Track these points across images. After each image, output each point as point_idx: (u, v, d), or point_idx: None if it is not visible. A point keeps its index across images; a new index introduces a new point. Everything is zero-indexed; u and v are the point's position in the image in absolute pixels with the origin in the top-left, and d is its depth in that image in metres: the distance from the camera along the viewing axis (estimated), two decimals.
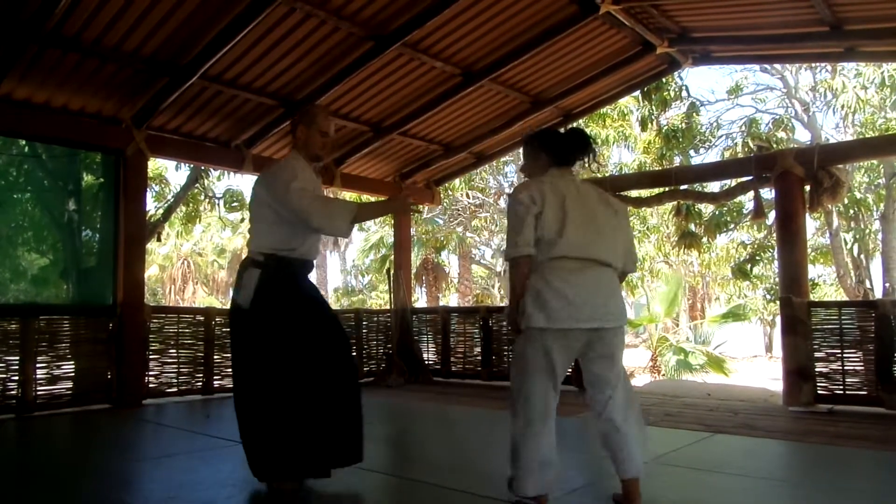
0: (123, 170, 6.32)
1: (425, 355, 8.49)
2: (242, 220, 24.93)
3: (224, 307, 22.44)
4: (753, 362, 18.93)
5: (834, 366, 5.70)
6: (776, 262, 9.15)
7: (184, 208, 12.55)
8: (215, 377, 6.81)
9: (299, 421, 2.93)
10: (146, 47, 5.37)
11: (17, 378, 5.57)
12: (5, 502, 3.09)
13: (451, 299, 22.82)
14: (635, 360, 15.48)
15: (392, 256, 9.58)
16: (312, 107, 3.70)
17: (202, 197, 12.66)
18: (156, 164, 12.45)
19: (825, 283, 18.54)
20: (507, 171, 17.47)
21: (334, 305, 21.87)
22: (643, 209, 14.89)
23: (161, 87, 5.87)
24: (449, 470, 3.62)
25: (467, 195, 16.66)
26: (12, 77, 5.32)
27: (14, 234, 7.10)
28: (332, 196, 3.60)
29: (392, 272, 8.89)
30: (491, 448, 4.27)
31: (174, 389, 6.57)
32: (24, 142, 6.53)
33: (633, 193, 8.04)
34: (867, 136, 11.69)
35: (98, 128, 6.16)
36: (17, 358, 5.60)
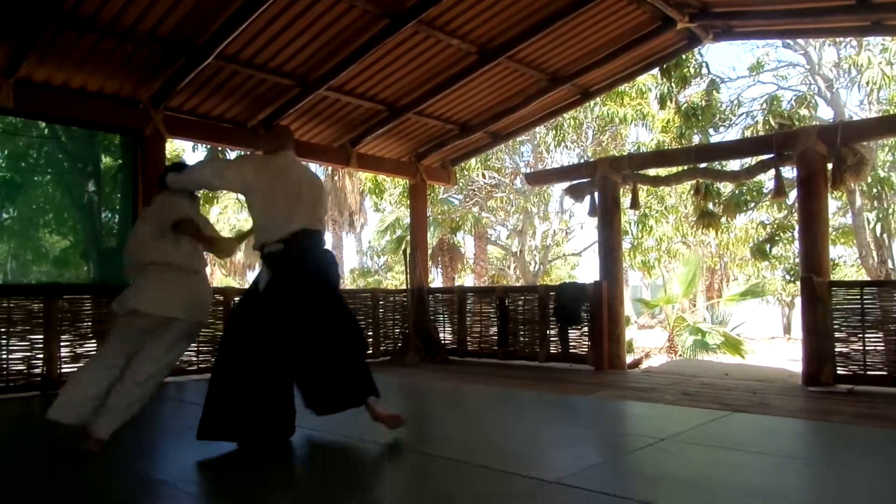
0: (141, 151, 6.36)
1: (441, 335, 8.52)
2: None
3: (242, 287, 22.66)
4: (771, 343, 18.78)
5: (854, 346, 5.63)
6: (796, 243, 9.04)
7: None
8: None
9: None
10: (163, 27, 5.38)
11: (41, 356, 5.69)
12: (34, 476, 3.17)
13: (466, 280, 22.83)
14: (651, 340, 15.44)
15: (408, 237, 9.58)
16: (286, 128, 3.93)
17: None
18: (173, 146, 12.51)
19: (845, 265, 18.30)
20: (523, 151, 17.36)
21: (350, 286, 22.01)
22: (661, 188, 14.76)
23: (178, 67, 5.89)
24: (465, 446, 3.64)
25: (483, 175, 16.57)
26: (31, 59, 5.35)
27: (35, 216, 7.20)
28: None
29: (408, 253, 8.90)
30: (507, 425, 4.29)
31: (194, 368, 6.66)
32: (43, 124, 6.60)
33: (651, 172, 7.97)
34: (892, 112, 11.45)
35: (116, 109, 6.20)
36: (42, 337, 5.70)
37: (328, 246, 3.67)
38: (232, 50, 5.82)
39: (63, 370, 5.78)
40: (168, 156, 9.50)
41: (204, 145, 10.90)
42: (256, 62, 6.15)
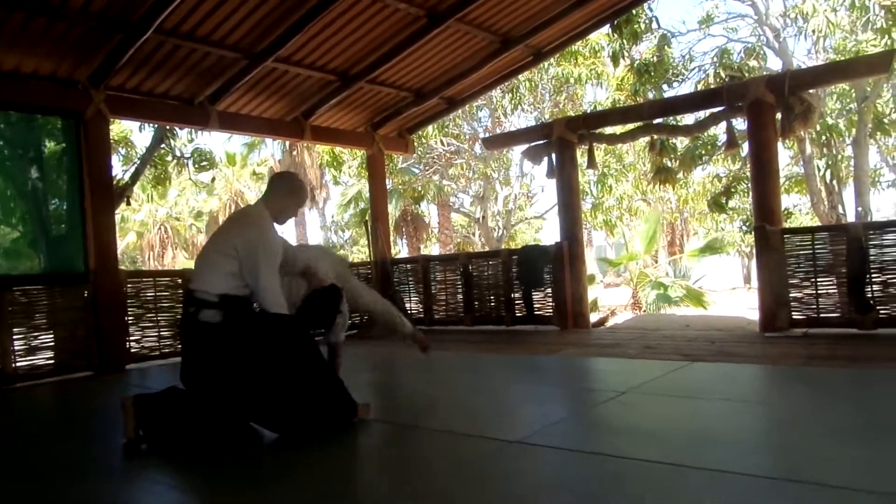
0: (84, 133, 6.13)
1: (408, 305, 8.52)
2: (213, 179, 24.55)
3: None
4: (732, 294, 19.30)
5: (808, 291, 5.81)
6: (751, 194, 9.22)
7: (152, 170, 12.27)
8: None
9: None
10: (94, 3, 5.14)
11: None
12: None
13: (432, 249, 22.84)
14: (617, 298, 15.71)
15: (369, 209, 9.49)
16: (304, 186, 3.63)
17: (170, 158, 12.38)
18: (120, 127, 12.10)
19: (800, 213, 18.78)
20: (481, 117, 17.28)
21: None
22: (619, 147, 14.86)
23: (116, 44, 5.65)
24: (432, 412, 3.67)
25: (442, 143, 16.47)
26: None
27: None
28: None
29: (370, 224, 8.83)
30: (474, 389, 4.33)
31: (157, 353, 6.55)
32: None
33: (608, 130, 8.00)
34: (838, 60, 11.65)
35: (54, 90, 5.95)
36: None
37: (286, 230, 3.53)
38: (171, 23, 5.61)
39: (19, 364, 5.63)
40: (115, 137, 9.19)
41: (150, 124, 10.56)
42: (198, 35, 5.94)
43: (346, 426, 3.26)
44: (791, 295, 5.85)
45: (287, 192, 3.42)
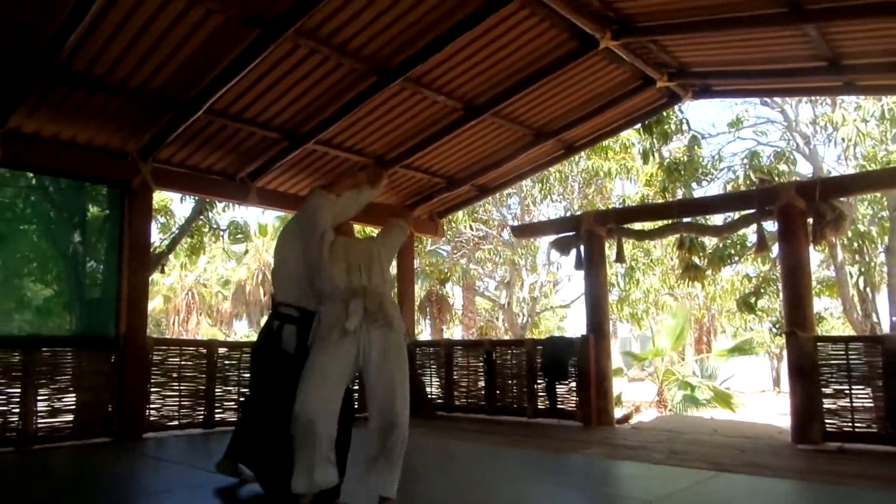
0: (129, 202, 6.36)
1: (428, 389, 8.41)
2: (246, 251, 25.01)
3: (227, 339, 22.37)
4: (761, 397, 18.69)
5: (842, 402, 5.60)
6: (782, 298, 9.10)
7: (188, 240, 12.59)
8: (217, 410, 6.76)
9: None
10: (153, 82, 5.45)
11: (17, 410, 5.54)
12: None
13: (454, 331, 22.70)
14: (641, 393, 15.32)
15: (395, 289, 9.55)
16: None
17: (206, 229, 12.72)
18: (161, 196, 12.53)
19: (832, 316, 18.38)
20: (510, 204, 17.52)
21: None
22: (646, 242, 14.88)
23: (167, 120, 5.94)
24: None
25: (471, 227, 16.68)
26: (21, 111, 5.39)
27: (19, 265, 7.12)
28: None
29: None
30: (494, 485, 4.20)
31: (175, 423, 6.50)
32: (31, 174, 6.60)
33: (637, 226, 8.05)
34: (869, 168, 11.72)
35: (105, 161, 6.22)
36: (19, 390, 5.57)
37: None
38: (221, 104, 5.90)
39: (39, 424, 5.63)
40: (155, 206, 9.51)
41: (191, 196, 10.93)
42: (245, 116, 6.23)
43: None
44: (824, 406, 5.65)
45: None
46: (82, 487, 4.33)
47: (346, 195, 3.42)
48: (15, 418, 5.53)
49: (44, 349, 5.83)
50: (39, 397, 5.68)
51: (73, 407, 5.92)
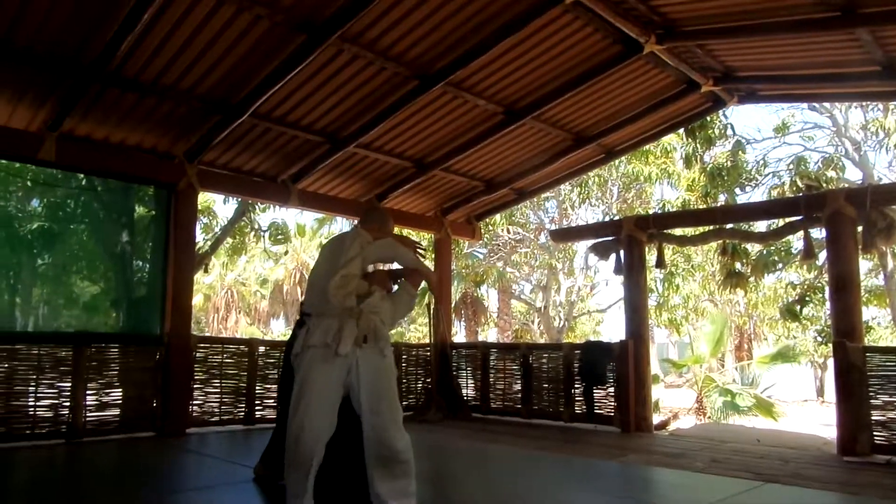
0: (175, 203, 6.52)
1: (464, 391, 8.43)
2: (286, 252, 25.39)
3: (265, 338, 22.73)
4: (804, 406, 18.21)
5: (892, 414, 5.44)
6: (828, 304, 8.86)
7: (230, 240, 12.85)
8: (257, 407, 6.88)
9: None
10: (201, 86, 5.59)
11: (68, 404, 5.73)
12: None
13: (489, 334, 22.67)
14: (679, 399, 15.07)
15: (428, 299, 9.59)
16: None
17: (248, 229, 12.96)
18: (204, 198, 12.82)
19: (880, 326, 17.83)
20: (548, 207, 17.44)
21: None
22: (687, 247, 14.65)
23: (213, 124, 6.09)
24: None
25: (508, 230, 16.64)
26: (74, 115, 5.58)
27: (69, 263, 7.37)
28: None
29: (433, 307, 8.90)
30: (531, 490, 4.19)
31: (216, 419, 6.64)
32: (82, 175, 6.82)
33: (678, 231, 7.93)
34: None
35: (152, 162, 6.39)
36: (69, 384, 5.76)
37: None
38: (266, 108, 6.01)
39: (88, 418, 5.81)
40: (199, 207, 9.73)
41: (234, 198, 11.15)
42: (289, 120, 6.34)
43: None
44: (873, 418, 5.49)
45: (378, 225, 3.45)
46: (130, 480, 4.45)
47: (382, 243, 3.36)
48: (65, 412, 5.72)
49: (92, 345, 6.01)
50: (88, 391, 5.86)
51: (120, 402, 6.10)
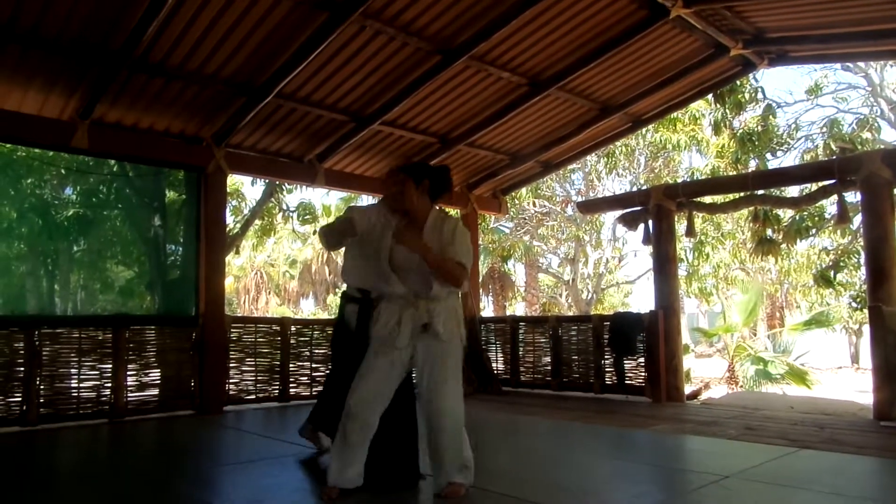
0: (204, 186, 6.61)
1: (493, 365, 8.48)
2: (314, 231, 25.60)
3: (298, 317, 23.04)
4: (838, 374, 17.98)
5: None
6: (863, 269, 8.70)
7: (259, 222, 12.99)
8: (291, 385, 7.03)
9: None
10: (225, 69, 5.63)
11: (109, 385, 5.91)
12: (105, 498, 3.30)
13: (517, 308, 22.70)
14: (710, 369, 14.99)
15: None
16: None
17: (276, 210, 13.09)
18: (233, 180, 12.96)
19: None
20: (574, 179, 17.29)
21: None
22: (717, 215, 14.43)
23: (239, 106, 6.13)
24: (519, 481, 3.61)
25: (534, 203, 16.56)
26: (104, 102, 5.67)
27: (104, 249, 7.56)
28: None
29: None
30: (562, 459, 4.23)
31: (252, 397, 6.80)
32: (113, 161, 6.95)
33: (707, 199, 7.82)
34: None
35: (181, 147, 6.48)
36: (110, 366, 5.94)
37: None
38: (290, 88, 6.03)
39: (129, 398, 5.99)
40: (228, 189, 9.85)
41: (262, 179, 11.26)
42: (313, 99, 6.36)
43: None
44: None
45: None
46: (173, 457, 4.60)
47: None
48: (107, 392, 5.91)
49: (131, 327, 6.17)
50: (129, 372, 6.04)
51: (158, 382, 6.27)
